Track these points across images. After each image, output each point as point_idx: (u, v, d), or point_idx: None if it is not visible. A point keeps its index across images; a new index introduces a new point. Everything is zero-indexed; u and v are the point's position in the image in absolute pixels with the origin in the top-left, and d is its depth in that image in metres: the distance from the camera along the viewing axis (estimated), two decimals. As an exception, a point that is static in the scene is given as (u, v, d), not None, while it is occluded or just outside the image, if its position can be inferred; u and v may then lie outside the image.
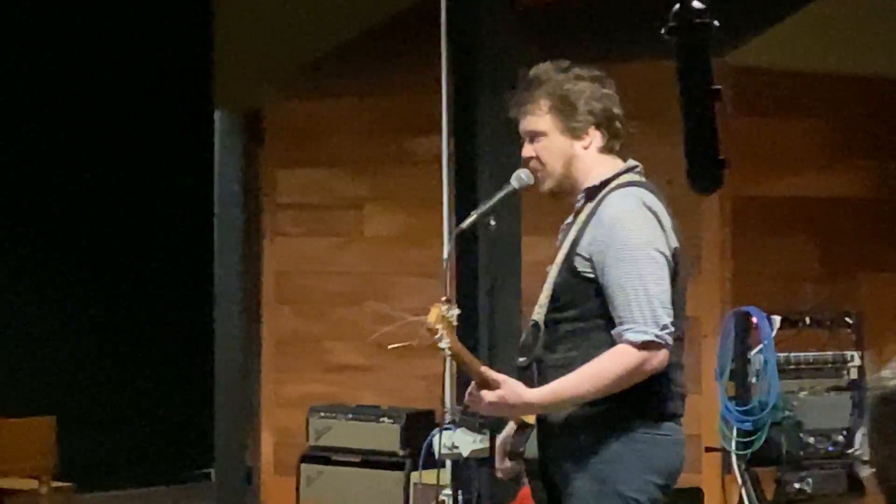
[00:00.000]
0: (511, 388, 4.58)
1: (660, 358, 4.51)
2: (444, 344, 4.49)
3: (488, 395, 4.57)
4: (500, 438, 4.93)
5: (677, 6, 3.04)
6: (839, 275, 9.14)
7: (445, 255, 7.05)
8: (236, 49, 10.84)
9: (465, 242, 7.32)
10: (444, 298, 4.58)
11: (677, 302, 4.59)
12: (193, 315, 11.38)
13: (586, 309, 4.59)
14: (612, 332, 4.52)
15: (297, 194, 10.68)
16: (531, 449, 4.73)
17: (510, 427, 4.87)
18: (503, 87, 7.87)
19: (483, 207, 5.35)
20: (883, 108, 9.41)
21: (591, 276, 4.58)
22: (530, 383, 4.62)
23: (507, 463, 4.90)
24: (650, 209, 4.60)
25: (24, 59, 11.69)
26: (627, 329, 4.49)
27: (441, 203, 8.12)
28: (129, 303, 12.24)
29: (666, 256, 4.57)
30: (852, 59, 9.19)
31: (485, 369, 4.57)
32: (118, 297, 12.19)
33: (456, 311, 4.54)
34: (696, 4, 3.05)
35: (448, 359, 4.76)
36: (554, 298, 4.64)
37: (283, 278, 10.71)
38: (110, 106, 12.08)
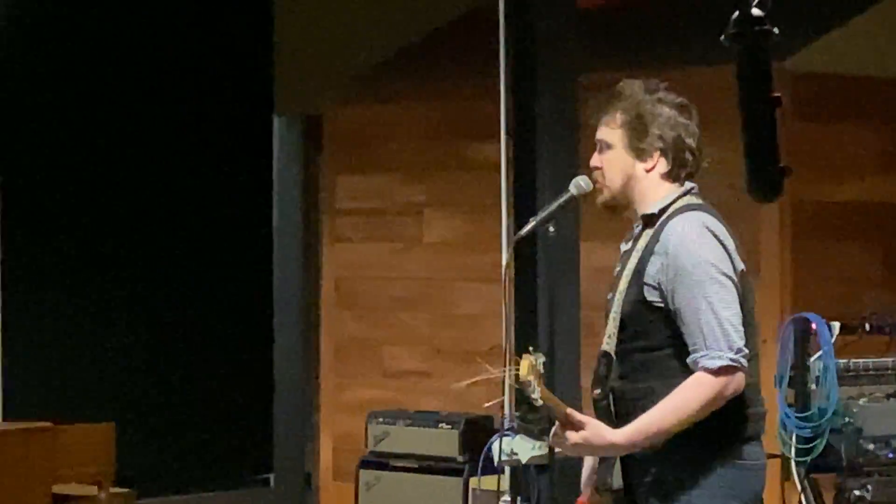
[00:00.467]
0: (595, 430, 4.57)
1: (737, 381, 4.49)
2: (535, 395, 4.50)
3: (573, 437, 4.57)
4: (585, 473, 4.91)
5: (737, 13, 3.04)
6: (900, 280, 9.13)
7: (504, 261, 7.08)
8: (296, 54, 10.90)
9: (524, 248, 7.33)
10: (530, 348, 4.58)
11: (748, 322, 4.59)
12: (252, 320, 11.44)
13: (658, 338, 4.58)
14: (687, 359, 4.51)
15: (357, 199, 10.73)
16: (616, 479, 4.73)
17: (590, 461, 4.87)
18: (562, 92, 7.93)
19: (542, 214, 5.35)
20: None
21: (661, 305, 4.56)
22: (608, 414, 4.63)
23: (595, 496, 4.89)
24: (713, 233, 4.58)
25: (88, 66, 11.78)
26: (702, 356, 4.48)
27: (500, 209, 8.14)
28: (187, 308, 12.30)
29: (732, 279, 4.56)
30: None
31: (571, 412, 4.56)
32: (176, 303, 12.25)
33: (542, 360, 4.54)
34: (756, 11, 3.04)
35: (510, 363, 4.75)
36: (623, 327, 4.63)
37: (342, 283, 10.76)
38: (171, 110, 12.16)
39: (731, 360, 4.48)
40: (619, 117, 4.69)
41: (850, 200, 9.04)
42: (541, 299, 7.61)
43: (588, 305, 7.69)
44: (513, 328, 7.22)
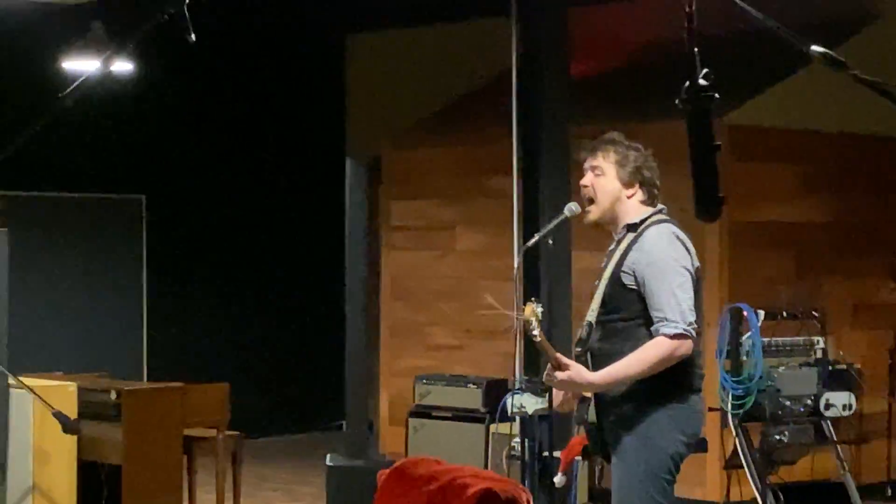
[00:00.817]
0: (578, 371, 4.57)
1: (687, 346, 4.50)
2: (535, 332, 4.51)
3: (560, 375, 4.57)
4: (556, 401, 4.91)
5: (687, 83, 3.05)
6: (808, 280, 9.07)
7: (516, 265, 7.05)
8: (362, 114, 10.91)
9: (531, 255, 7.32)
10: (533, 299, 4.60)
11: (697, 306, 4.59)
12: (330, 308, 11.45)
13: (630, 311, 4.58)
14: (651, 328, 4.51)
15: (406, 219, 10.72)
16: (591, 416, 4.72)
17: (560, 395, 4.85)
18: (558, 140, 7.90)
19: (544, 230, 5.35)
20: (841, 155, 9.35)
21: (634, 287, 4.57)
22: (587, 367, 4.62)
23: (562, 400, 4.87)
24: (678, 238, 4.62)
25: (212, 112, 11.81)
26: (663, 325, 4.49)
27: (512, 226, 8.12)
28: (283, 300, 12.33)
29: (690, 272, 4.58)
30: (818, 118, 9.15)
31: (559, 355, 4.57)
32: (276, 297, 12.29)
33: (542, 309, 4.56)
34: (702, 82, 3.05)
35: (520, 339, 4.76)
36: (604, 304, 4.64)
37: (396, 281, 10.75)
38: (273, 153, 12.21)
39: (684, 329, 4.48)
40: (612, 155, 4.72)
41: (770, 220, 9.00)
42: (542, 292, 7.59)
43: (577, 297, 7.66)
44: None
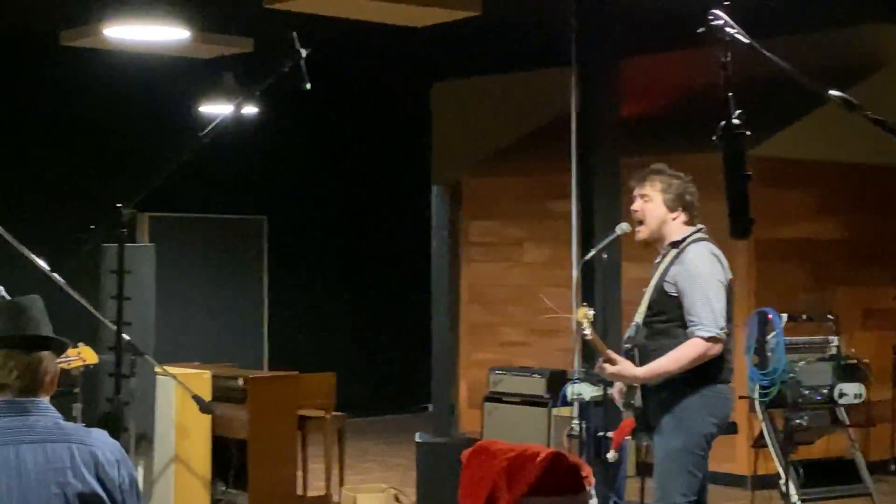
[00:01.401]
0: (624, 365, 4.57)
1: (718, 347, 4.48)
2: (586, 332, 4.51)
3: (610, 368, 4.57)
4: (615, 387, 4.88)
5: (723, 122, 3.02)
6: (824, 288, 8.96)
7: (574, 275, 7.02)
8: (445, 148, 10.95)
9: (587, 267, 7.27)
10: (585, 303, 4.59)
11: (729, 313, 4.55)
12: (419, 310, 11.46)
13: (671, 315, 4.56)
14: (687, 330, 4.48)
15: (482, 236, 10.72)
16: (637, 401, 4.69)
17: (619, 385, 4.83)
18: (610, 169, 7.86)
19: (598, 246, 5.32)
20: (852, 182, 9.24)
21: (675, 295, 4.55)
22: (633, 360, 4.61)
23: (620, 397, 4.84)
24: (714, 255, 4.60)
25: (322, 148, 11.88)
26: (698, 328, 4.47)
27: (571, 242, 8.09)
28: (380, 304, 12.36)
29: (723, 284, 4.55)
30: (832, 150, 9.05)
31: (609, 351, 4.57)
32: (374, 301, 12.33)
33: (592, 312, 4.55)
34: (736, 121, 3.02)
35: (581, 339, 4.74)
36: (650, 308, 4.62)
37: (473, 288, 10.75)
38: (369, 183, 12.27)
39: (717, 333, 4.47)
40: (658, 184, 4.70)
41: (792, 238, 8.91)
42: (596, 298, 7.54)
43: (626, 302, 7.61)
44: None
